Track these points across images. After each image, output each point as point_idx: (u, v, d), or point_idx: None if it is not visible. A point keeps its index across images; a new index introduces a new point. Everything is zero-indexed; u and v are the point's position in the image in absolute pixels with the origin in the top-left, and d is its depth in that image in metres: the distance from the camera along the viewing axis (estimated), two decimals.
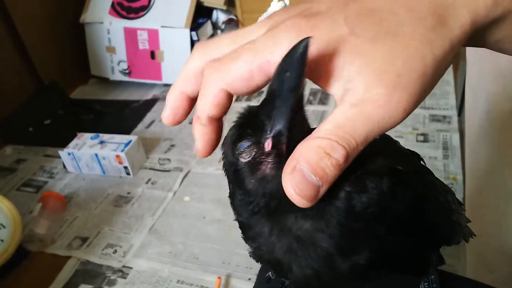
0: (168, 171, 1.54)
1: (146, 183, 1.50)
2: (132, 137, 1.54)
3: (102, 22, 1.99)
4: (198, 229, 1.29)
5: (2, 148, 1.79)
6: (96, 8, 2.01)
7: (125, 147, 1.50)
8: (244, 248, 1.24)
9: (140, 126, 1.79)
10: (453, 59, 0.24)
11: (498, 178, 0.67)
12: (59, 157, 1.61)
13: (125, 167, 1.52)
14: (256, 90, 0.25)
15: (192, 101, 0.29)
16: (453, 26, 0.23)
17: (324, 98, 1.77)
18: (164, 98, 1.92)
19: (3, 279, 1.22)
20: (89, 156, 1.53)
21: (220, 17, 2.00)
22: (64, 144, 1.57)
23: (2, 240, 1.20)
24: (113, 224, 1.36)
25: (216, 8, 1.97)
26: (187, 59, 0.28)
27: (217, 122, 0.27)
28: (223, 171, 0.34)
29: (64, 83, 2.05)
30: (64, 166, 1.62)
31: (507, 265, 0.63)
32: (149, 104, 1.92)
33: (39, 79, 1.98)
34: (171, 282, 1.15)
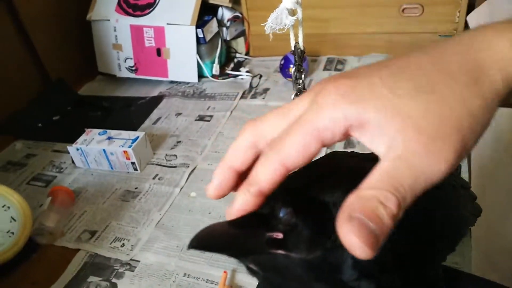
0: (175, 167, 1.56)
1: (153, 178, 1.53)
2: (139, 133, 1.57)
3: (108, 20, 2.01)
4: (204, 224, 1.29)
5: (12, 143, 1.82)
6: (103, 6, 2.03)
7: (132, 143, 1.53)
8: None
9: (147, 123, 1.81)
10: (489, 118, 0.25)
11: (503, 176, 0.69)
12: (67, 152, 1.64)
13: (133, 163, 1.55)
14: (313, 158, 0.27)
15: (239, 176, 0.31)
16: (485, 85, 0.24)
17: None
18: (170, 95, 1.96)
19: (14, 271, 1.25)
20: (97, 151, 1.56)
21: (226, 14, 2.01)
22: (72, 139, 1.60)
23: (13, 233, 1.23)
24: (120, 218, 1.39)
25: (221, 6, 1.98)
26: (238, 136, 0.31)
27: (263, 197, 0.29)
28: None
29: (71, 80, 2.08)
30: (73, 161, 1.65)
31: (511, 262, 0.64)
32: (156, 100, 1.94)
33: (47, 76, 2.01)
34: (178, 275, 1.17)
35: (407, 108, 0.23)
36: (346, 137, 0.25)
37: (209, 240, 0.30)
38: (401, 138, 0.23)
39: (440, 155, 0.23)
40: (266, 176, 0.27)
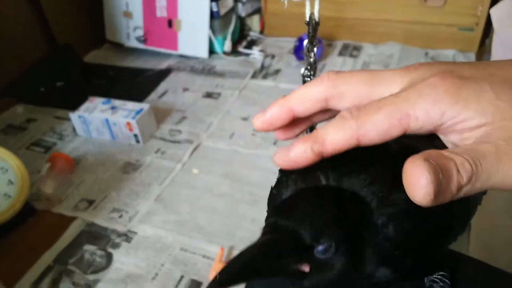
0: (179, 142, 1.53)
1: (156, 152, 1.50)
2: (144, 105, 1.53)
3: None
4: (205, 201, 1.29)
5: (13, 107, 1.79)
6: None
7: (136, 114, 1.49)
8: (249, 223, 1.24)
9: (153, 95, 1.77)
10: None
11: None
12: (69, 119, 1.60)
13: (135, 135, 1.51)
14: (388, 140, 0.25)
15: (294, 120, 0.29)
16: None
17: None
18: (178, 69, 1.92)
19: (10, 234, 1.23)
20: (100, 120, 1.52)
21: None
22: (75, 107, 1.56)
23: (10, 196, 1.20)
24: (120, 190, 1.36)
25: None
26: (313, 80, 0.28)
27: (321, 158, 0.26)
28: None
29: (78, 46, 2.03)
30: (74, 129, 1.61)
31: (511, 254, 0.62)
32: (163, 73, 1.90)
33: (54, 40, 1.96)
34: (174, 249, 1.15)
35: None
36: (431, 133, 0.25)
37: (232, 272, 0.26)
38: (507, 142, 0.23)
39: None
40: (336, 142, 0.25)
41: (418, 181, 0.21)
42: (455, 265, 0.39)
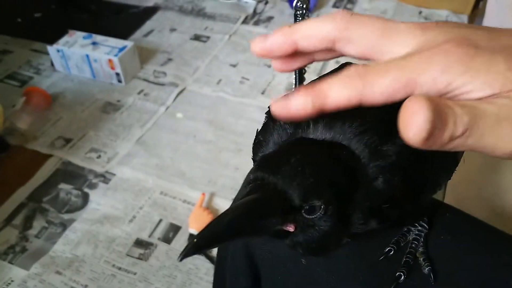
0: (163, 84, 1.46)
1: (138, 93, 1.43)
2: (128, 43, 1.44)
3: None
4: (188, 147, 1.25)
5: None
6: None
7: (119, 52, 1.41)
8: (232, 171, 1.21)
9: (138, 34, 1.68)
10: None
11: None
12: (47, 53, 1.51)
13: (117, 74, 1.44)
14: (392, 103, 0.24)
15: (295, 52, 0.27)
16: None
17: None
18: (166, 8, 1.80)
19: None
20: (80, 56, 1.44)
21: None
22: (53, 40, 1.47)
23: None
24: (99, 130, 1.31)
25: None
26: (324, 16, 0.27)
27: (320, 113, 0.25)
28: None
29: None
30: (52, 64, 1.52)
31: (485, 212, 0.62)
32: (150, 11, 1.79)
33: None
34: (154, 192, 1.12)
35: None
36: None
37: (214, 234, 0.25)
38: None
39: None
40: (338, 100, 0.24)
41: (415, 116, 0.21)
42: (433, 210, 0.41)
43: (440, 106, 0.21)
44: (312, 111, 0.24)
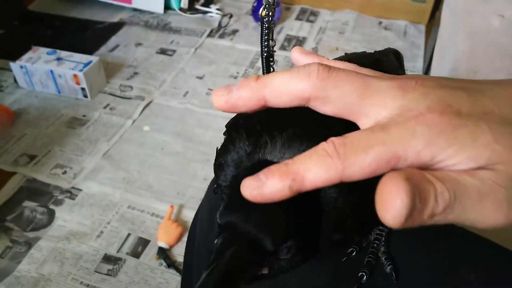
0: (129, 98, 1.46)
1: (104, 108, 1.42)
2: (93, 58, 1.44)
3: None
4: (155, 159, 1.25)
5: None
6: None
7: (84, 67, 1.40)
8: (200, 182, 1.22)
9: (103, 49, 1.67)
10: None
11: None
12: (10, 70, 1.49)
13: (83, 89, 1.43)
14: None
15: (263, 108, 0.26)
16: None
17: (299, 45, 1.72)
18: (132, 23, 1.81)
19: None
20: (44, 72, 1.42)
21: None
22: (16, 57, 1.45)
23: None
24: (64, 145, 1.29)
25: None
26: (298, 70, 0.24)
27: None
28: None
29: None
30: (15, 80, 1.50)
31: None
32: (115, 27, 1.79)
33: None
34: (121, 206, 1.12)
35: (510, 161, 0.21)
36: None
37: None
38: (491, 182, 0.21)
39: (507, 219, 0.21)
40: (316, 181, 0.23)
41: (392, 201, 0.20)
42: None
43: (419, 184, 0.21)
44: (289, 195, 0.23)
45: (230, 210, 0.26)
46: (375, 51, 0.44)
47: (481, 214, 0.21)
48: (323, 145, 0.23)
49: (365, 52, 0.43)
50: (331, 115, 0.25)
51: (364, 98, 0.24)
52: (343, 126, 0.24)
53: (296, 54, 0.30)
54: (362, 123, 0.24)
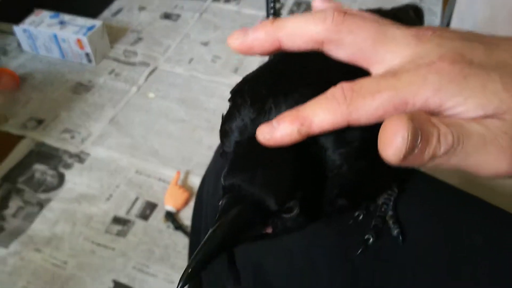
0: (134, 64, 1.47)
1: (109, 73, 1.43)
2: (97, 22, 1.43)
3: None
4: (161, 126, 1.27)
5: None
6: None
7: (87, 31, 1.40)
8: (206, 149, 1.24)
9: (106, 13, 1.65)
10: None
11: None
12: (13, 34, 1.48)
13: (87, 54, 1.43)
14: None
15: (278, 51, 0.26)
16: None
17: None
18: None
19: None
20: (47, 36, 1.42)
21: None
22: (19, 20, 1.44)
23: None
24: (71, 110, 1.31)
25: None
26: (314, 15, 0.24)
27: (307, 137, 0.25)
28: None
29: None
30: (19, 45, 1.50)
31: (457, 179, 0.67)
32: None
33: None
34: (129, 171, 1.15)
35: None
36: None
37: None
38: (498, 130, 0.22)
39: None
40: (324, 125, 0.23)
41: (393, 137, 0.21)
42: (403, 176, 0.41)
43: (423, 124, 0.21)
44: (298, 138, 0.24)
45: (234, 172, 0.27)
46: (393, 7, 0.43)
47: (484, 160, 0.22)
48: (332, 89, 0.23)
49: (381, 8, 0.41)
50: (345, 60, 0.25)
51: (379, 45, 0.24)
52: None
53: (318, 3, 0.30)
54: (375, 70, 0.24)
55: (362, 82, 0.23)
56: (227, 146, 0.33)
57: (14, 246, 0.99)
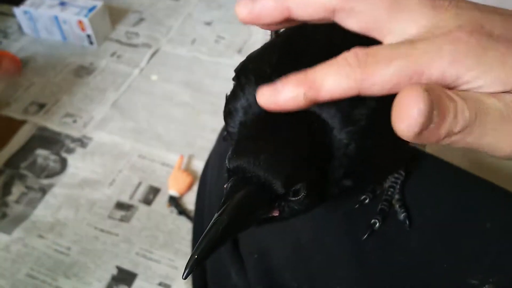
0: (136, 46, 1.43)
1: (111, 56, 1.40)
2: (97, 2, 1.40)
3: None
4: (164, 110, 1.25)
5: None
6: None
7: (88, 12, 1.36)
8: (209, 133, 1.21)
9: None
10: None
11: None
12: (14, 16, 1.45)
13: (88, 36, 1.40)
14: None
15: (287, 21, 0.24)
16: None
17: None
18: None
19: None
20: (48, 18, 1.39)
21: None
22: (19, 2, 1.41)
23: None
24: (73, 94, 1.29)
25: None
26: None
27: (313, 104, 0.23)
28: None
29: None
30: (20, 27, 1.47)
31: (465, 161, 0.65)
32: None
33: None
34: (132, 156, 1.13)
35: None
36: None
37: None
38: None
39: None
40: (333, 91, 0.22)
41: (408, 109, 0.19)
42: (410, 159, 0.40)
43: (439, 98, 0.20)
44: (304, 104, 0.22)
45: (239, 154, 0.26)
46: None
47: (501, 139, 0.21)
48: (344, 54, 0.22)
49: None
50: (357, 30, 0.23)
51: (392, 13, 0.22)
52: None
53: None
54: (388, 41, 0.23)
55: (376, 48, 0.21)
56: (232, 127, 0.32)
57: (17, 232, 0.99)
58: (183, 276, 0.23)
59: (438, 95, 0.20)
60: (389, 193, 0.38)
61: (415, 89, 0.19)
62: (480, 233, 0.35)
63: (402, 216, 0.37)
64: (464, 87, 0.21)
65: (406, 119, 0.19)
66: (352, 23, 0.23)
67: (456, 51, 0.20)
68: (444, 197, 0.38)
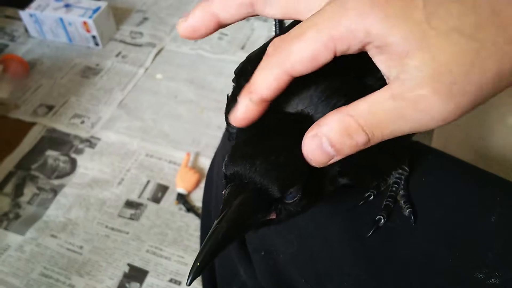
0: (140, 45, 1.44)
1: (116, 56, 1.42)
2: (101, 3, 1.41)
3: None
4: (170, 108, 1.26)
5: None
6: None
7: (93, 13, 1.38)
8: (215, 130, 1.22)
9: None
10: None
11: None
12: (19, 19, 1.47)
13: (93, 37, 1.41)
14: (321, 66, 0.23)
15: (219, 26, 0.26)
16: None
17: None
18: None
19: None
20: (54, 20, 1.40)
21: None
22: (25, 5, 1.43)
23: None
24: (80, 95, 1.31)
25: None
26: None
27: (267, 103, 0.25)
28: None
29: None
30: (26, 30, 1.49)
31: (470, 155, 0.65)
32: None
33: None
34: (140, 155, 1.15)
35: (436, 46, 0.20)
36: (361, 51, 0.22)
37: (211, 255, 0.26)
38: (413, 76, 0.20)
39: (440, 115, 0.21)
40: (267, 84, 0.23)
41: (307, 156, 0.24)
42: (414, 153, 0.40)
43: (332, 135, 0.23)
44: (256, 107, 0.24)
45: (235, 161, 0.27)
46: None
47: (414, 126, 0.22)
48: (267, 48, 0.23)
49: None
50: (279, 16, 0.25)
51: None
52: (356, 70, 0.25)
53: None
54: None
55: (290, 30, 0.22)
56: (232, 128, 0.33)
57: (30, 233, 1.01)
58: (187, 282, 0.25)
59: (325, 129, 0.23)
60: (394, 189, 0.39)
61: (304, 142, 0.24)
62: (485, 226, 0.35)
63: (407, 211, 0.37)
64: (378, 43, 0.21)
65: (313, 162, 0.24)
66: (271, 12, 0.24)
67: (361, 5, 0.20)
68: (449, 191, 0.38)
